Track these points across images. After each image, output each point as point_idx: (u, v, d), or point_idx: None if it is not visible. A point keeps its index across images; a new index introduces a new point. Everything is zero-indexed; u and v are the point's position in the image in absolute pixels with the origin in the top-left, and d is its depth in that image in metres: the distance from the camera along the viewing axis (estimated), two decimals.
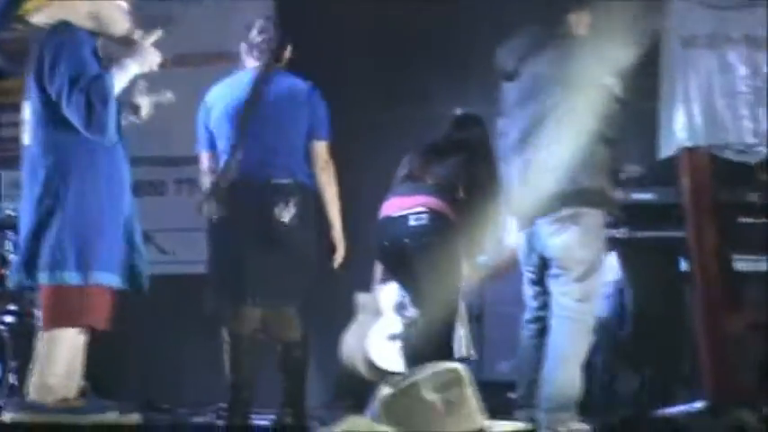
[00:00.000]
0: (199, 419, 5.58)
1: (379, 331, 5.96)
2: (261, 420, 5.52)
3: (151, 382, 7.14)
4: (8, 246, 6.30)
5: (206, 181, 5.51)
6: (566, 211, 4.80)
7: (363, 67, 7.56)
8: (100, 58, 4.65)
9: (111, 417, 4.58)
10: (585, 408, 4.86)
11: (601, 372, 5.49)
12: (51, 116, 4.53)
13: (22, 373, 5.38)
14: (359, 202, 6.06)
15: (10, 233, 6.20)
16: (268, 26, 5.66)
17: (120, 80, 4.60)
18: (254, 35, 5.58)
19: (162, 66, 4.76)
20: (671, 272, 5.40)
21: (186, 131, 5.76)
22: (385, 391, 4.08)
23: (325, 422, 5.30)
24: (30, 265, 4.50)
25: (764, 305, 4.99)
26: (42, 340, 4.53)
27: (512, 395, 5.18)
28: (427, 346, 5.51)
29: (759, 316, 4.94)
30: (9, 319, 6.28)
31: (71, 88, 4.46)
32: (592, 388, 5.02)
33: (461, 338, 6.04)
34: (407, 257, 5.80)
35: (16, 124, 4.87)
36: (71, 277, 4.47)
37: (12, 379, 6.09)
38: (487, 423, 3.15)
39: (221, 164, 5.43)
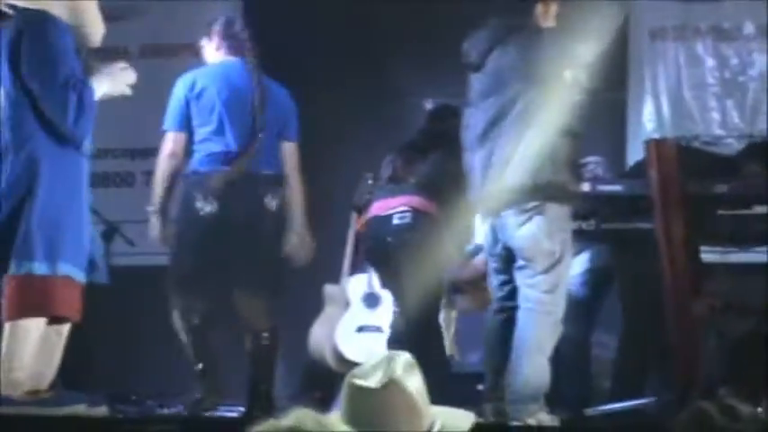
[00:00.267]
0: (166, 411, 5.56)
1: (346, 323, 5.96)
2: (229, 412, 5.51)
3: (119, 373, 7.12)
4: None
5: (165, 167, 5.49)
6: (530, 204, 4.80)
7: (333, 65, 7.54)
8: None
9: (80, 408, 4.58)
10: (553, 399, 4.88)
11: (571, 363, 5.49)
12: (26, 105, 4.48)
13: None
14: (330, 201, 6.34)
15: None
16: (235, 20, 5.69)
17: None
18: (225, 28, 5.57)
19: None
20: (639, 263, 5.40)
21: (154, 123, 5.74)
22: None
23: None
24: None
25: (726, 293, 5.04)
26: (5, 333, 4.50)
27: (481, 387, 5.19)
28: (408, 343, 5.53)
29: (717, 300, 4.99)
30: None
31: (63, 86, 4.42)
32: (560, 379, 5.03)
33: (446, 338, 6.13)
34: (389, 255, 6.01)
35: None
36: (39, 268, 4.46)
37: None
38: (433, 410, 3.13)
39: (191, 149, 5.46)
